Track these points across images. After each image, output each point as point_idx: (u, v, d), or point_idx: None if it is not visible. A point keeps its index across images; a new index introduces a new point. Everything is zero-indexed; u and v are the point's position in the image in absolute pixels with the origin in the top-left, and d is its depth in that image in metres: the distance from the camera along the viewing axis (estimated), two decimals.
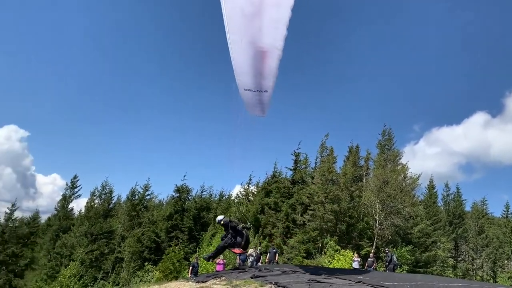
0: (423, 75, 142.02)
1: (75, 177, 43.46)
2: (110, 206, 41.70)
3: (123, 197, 45.41)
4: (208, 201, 42.35)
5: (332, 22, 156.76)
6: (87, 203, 40.70)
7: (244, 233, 12.92)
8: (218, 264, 22.70)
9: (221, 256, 23.52)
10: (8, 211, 42.31)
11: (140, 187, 40.11)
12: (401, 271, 23.26)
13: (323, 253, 25.97)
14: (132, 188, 39.89)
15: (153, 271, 29.01)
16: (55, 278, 32.27)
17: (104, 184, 42.01)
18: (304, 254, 27.10)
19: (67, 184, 43.71)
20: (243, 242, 12.79)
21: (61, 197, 43.56)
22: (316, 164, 34.70)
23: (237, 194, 40.66)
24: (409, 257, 25.95)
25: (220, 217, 13.20)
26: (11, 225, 42.01)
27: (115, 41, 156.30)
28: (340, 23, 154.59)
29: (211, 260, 14.03)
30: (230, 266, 24.11)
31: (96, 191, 41.54)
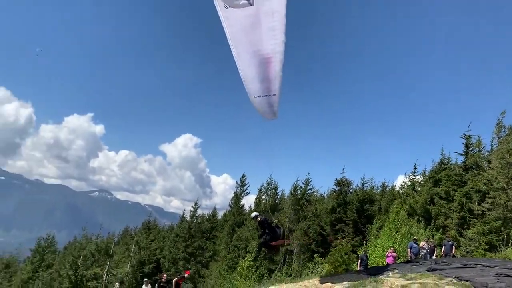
0: None
1: (243, 176, 47.02)
2: (276, 201, 44.00)
3: (286, 192, 47.32)
4: (370, 193, 41.29)
5: None
6: (255, 199, 43.74)
7: (280, 226, 12.98)
8: (388, 256, 22.05)
9: (390, 248, 22.79)
10: (192, 209, 48.19)
11: (302, 182, 41.24)
12: None
13: (509, 245, 22.91)
14: (294, 183, 41.26)
15: (322, 263, 29.64)
16: (234, 269, 35.52)
17: (269, 180, 44.68)
18: (486, 247, 24.30)
19: (237, 183, 47.47)
20: (281, 233, 12.89)
21: (233, 194, 47.57)
22: (492, 146, 30.62)
23: (402, 185, 38.68)
24: None
25: (254, 214, 13.34)
26: (195, 222, 47.69)
27: None
28: None
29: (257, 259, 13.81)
30: (401, 259, 23.16)
31: (262, 187, 44.34)
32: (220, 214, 52.87)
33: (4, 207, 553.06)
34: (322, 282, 13.76)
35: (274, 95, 11.64)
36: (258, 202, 42.76)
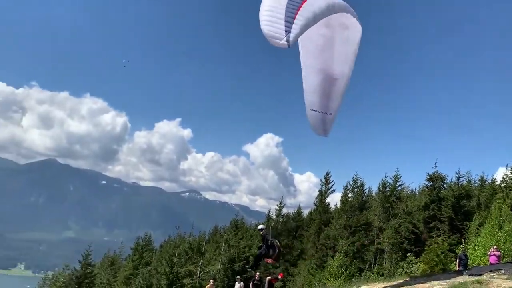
0: None
1: (327, 173, 46.38)
2: (363, 198, 42.84)
3: (374, 189, 45.91)
4: (467, 188, 38.47)
5: None
6: (341, 197, 42.88)
7: (276, 247, 14.01)
8: (491, 255, 20.44)
9: (493, 247, 21.05)
10: (277, 208, 48.73)
11: (390, 178, 39.81)
12: None
13: None
14: (382, 180, 39.95)
15: (416, 262, 28.27)
16: (323, 268, 35.25)
17: (355, 178, 43.61)
18: None
19: (321, 181, 46.91)
20: (274, 255, 13.94)
21: (317, 193, 46.94)
22: None
23: (503, 178, 35.45)
24: None
25: (261, 226, 15.04)
26: (281, 220, 48.10)
27: None
28: None
29: (254, 269, 15.40)
30: (507, 258, 21.25)
31: (348, 185, 43.37)
32: (305, 213, 52.78)
33: (107, 209, 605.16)
34: (418, 282, 13.17)
35: (331, 114, 12.36)
36: (344, 200, 41.93)
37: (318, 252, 39.08)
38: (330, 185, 46.10)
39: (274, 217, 48.93)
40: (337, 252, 34.43)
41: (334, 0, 9.91)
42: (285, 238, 45.38)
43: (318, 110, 12.40)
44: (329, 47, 11.30)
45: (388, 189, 38.83)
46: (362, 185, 43.46)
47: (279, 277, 24.42)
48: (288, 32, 8.85)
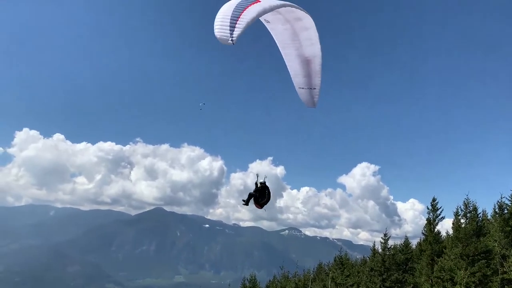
0: None
1: (434, 199, 43.29)
2: (479, 224, 39.01)
3: (488, 212, 41.92)
4: None
5: None
6: (453, 224, 39.53)
7: (267, 197, 16.39)
8: None
9: None
10: (382, 240, 46.38)
11: (507, 198, 36.02)
12: None
13: None
14: (497, 201, 36.36)
15: None
16: None
17: (466, 202, 40.04)
18: None
19: (428, 208, 43.86)
20: (261, 202, 16.37)
21: (425, 221, 43.88)
22: None
23: None
24: None
25: (263, 180, 16.35)
26: (388, 253, 45.58)
27: None
28: None
29: (246, 203, 16.48)
30: None
31: (459, 210, 39.90)
32: (414, 243, 49.73)
33: (212, 251, 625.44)
34: None
35: (315, 88, 15.40)
36: (456, 227, 38.55)
37: (434, 286, 36.15)
38: (438, 212, 42.92)
39: (380, 250, 46.85)
40: (457, 285, 31.51)
41: (278, 1, 12.68)
42: (395, 272, 42.72)
43: (304, 87, 15.44)
44: (295, 37, 14.40)
45: (506, 211, 35.20)
46: (475, 209, 39.64)
47: None
48: (232, 32, 11.04)
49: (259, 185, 16.41)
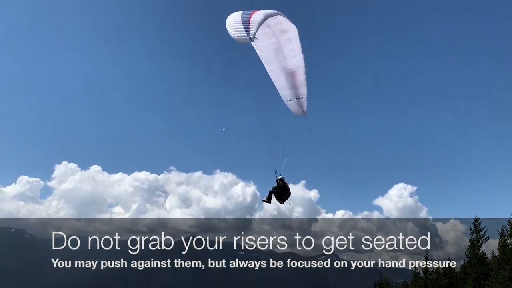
0: None
1: (476, 219, 41.58)
2: None
3: None
4: None
5: None
6: (498, 245, 37.66)
7: (289, 192, 16.37)
8: None
9: None
10: (423, 263, 44.87)
11: None
12: None
13: None
14: None
15: None
16: None
17: (511, 221, 38.23)
18: None
19: (470, 228, 42.13)
20: (284, 197, 16.20)
21: (467, 242, 42.27)
22: None
23: None
24: None
25: (282, 177, 16.11)
26: (430, 277, 43.93)
27: None
28: None
29: (268, 201, 16.37)
30: None
31: (504, 230, 38.06)
32: (457, 266, 47.72)
33: (248, 278, 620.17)
34: None
35: (302, 98, 15.72)
36: (502, 248, 36.68)
37: None
38: (482, 233, 41.17)
39: (421, 274, 45.44)
40: None
41: (271, 10, 13.19)
42: None
43: (292, 98, 15.66)
44: (280, 50, 14.71)
45: None
46: None
47: None
48: (247, 31, 11.80)
49: (279, 182, 16.41)
